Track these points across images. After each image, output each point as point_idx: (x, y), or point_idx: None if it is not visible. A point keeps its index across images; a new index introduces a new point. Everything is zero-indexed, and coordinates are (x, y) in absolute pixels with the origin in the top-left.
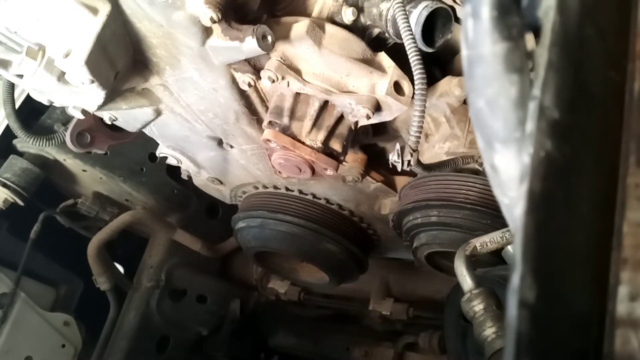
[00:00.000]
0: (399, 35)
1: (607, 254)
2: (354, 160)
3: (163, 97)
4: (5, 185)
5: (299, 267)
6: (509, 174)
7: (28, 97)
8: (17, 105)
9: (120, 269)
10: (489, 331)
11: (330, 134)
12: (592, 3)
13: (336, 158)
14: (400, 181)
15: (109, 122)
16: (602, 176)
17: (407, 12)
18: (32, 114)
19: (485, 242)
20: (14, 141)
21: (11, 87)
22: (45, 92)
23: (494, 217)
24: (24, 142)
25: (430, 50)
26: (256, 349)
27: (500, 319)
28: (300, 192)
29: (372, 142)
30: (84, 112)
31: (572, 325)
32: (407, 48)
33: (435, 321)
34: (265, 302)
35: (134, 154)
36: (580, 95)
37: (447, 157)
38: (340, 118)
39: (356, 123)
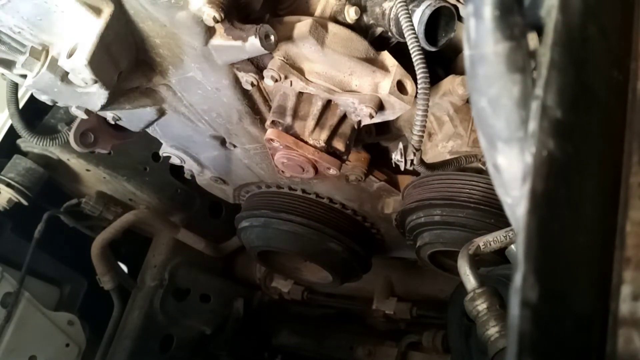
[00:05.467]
0: (401, 34)
1: (609, 253)
2: (357, 159)
3: (166, 97)
4: (9, 185)
5: (302, 266)
6: (512, 173)
7: (32, 97)
8: (20, 105)
9: (124, 268)
10: (492, 330)
11: (333, 133)
12: (595, 2)
13: (339, 157)
14: (404, 180)
15: (113, 122)
16: (604, 175)
17: (410, 11)
18: (36, 114)
19: (489, 241)
20: (18, 141)
21: (15, 87)
22: (49, 92)
23: (497, 216)
24: (28, 142)
25: (433, 49)
26: (260, 348)
27: (503, 318)
28: (304, 191)
29: (375, 141)
30: (87, 112)
31: (575, 325)
32: (409, 47)
33: (438, 320)
34: (268, 301)
35: (137, 153)
36: (583, 94)
37: (450, 156)
38: (343, 117)
39: (359, 122)
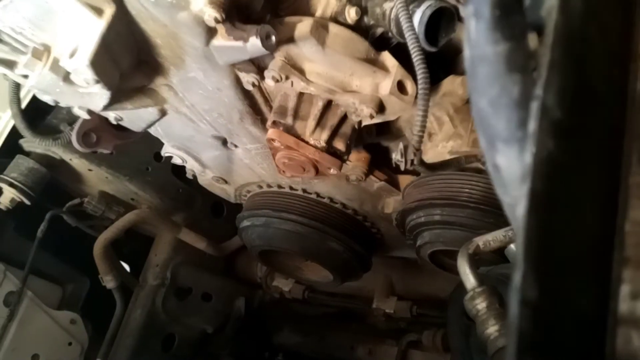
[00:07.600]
0: (402, 35)
1: (609, 252)
2: (357, 159)
3: (168, 97)
4: (12, 185)
5: (303, 265)
6: (511, 173)
7: (34, 97)
8: (23, 106)
9: (126, 267)
10: (492, 329)
11: (334, 133)
12: (595, 2)
13: (340, 157)
14: (404, 180)
15: (115, 122)
16: (604, 175)
17: (410, 12)
18: (38, 114)
19: (488, 240)
20: (20, 141)
21: (17, 87)
22: (51, 92)
23: (497, 216)
24: (30, 142)
25: (433, 49)
26: (261, 347)
27: (503, 317)
28: (304, 191)
29: (375, 141)
30: (89, 112)
31: (574, 324)
32: (410, 47)
33: (438, 319)
34: (269, 300)
35: (139, 153)
36: (583, 94)
37: (450, 156)
38: (344, 117)
39: (360, 122)
